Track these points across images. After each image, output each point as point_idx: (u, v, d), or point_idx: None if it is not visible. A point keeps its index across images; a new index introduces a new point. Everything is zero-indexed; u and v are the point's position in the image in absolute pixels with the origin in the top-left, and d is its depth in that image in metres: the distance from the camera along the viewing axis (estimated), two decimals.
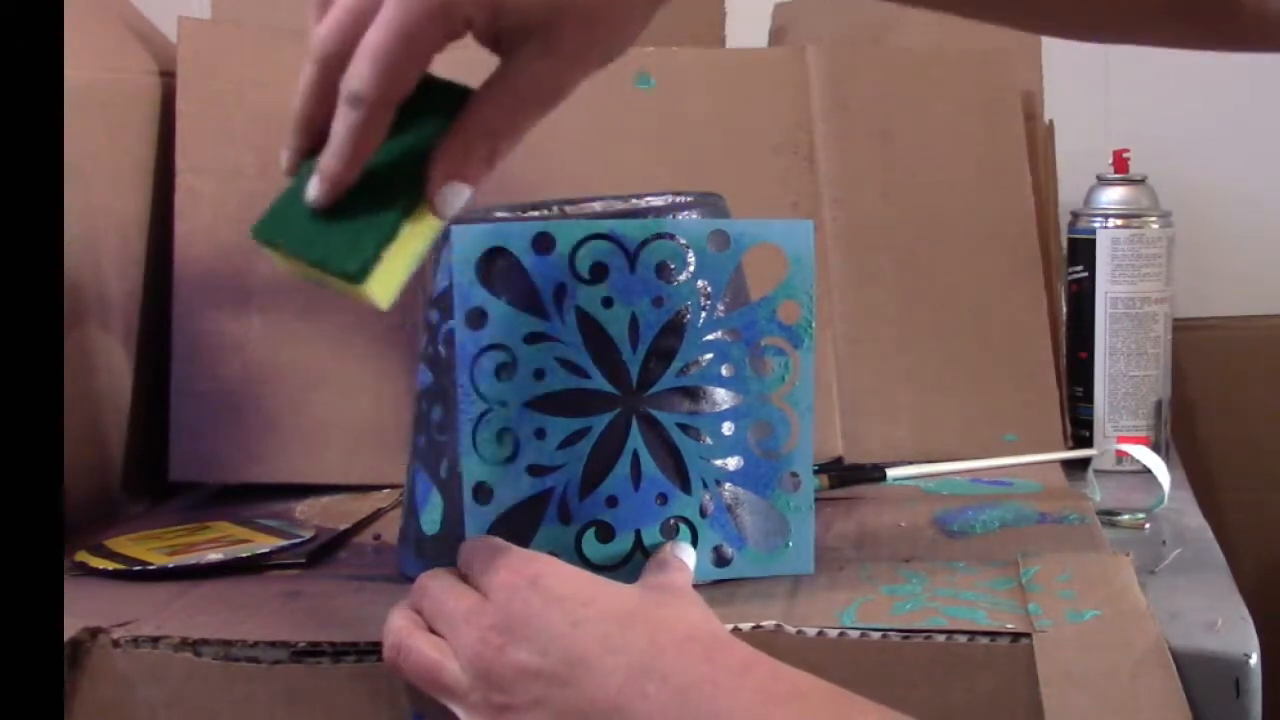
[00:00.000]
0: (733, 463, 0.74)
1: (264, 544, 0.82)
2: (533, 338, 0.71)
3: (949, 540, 0.82)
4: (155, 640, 0.68)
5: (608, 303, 0.71)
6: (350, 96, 0.61)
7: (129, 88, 1.00)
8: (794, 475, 0.75)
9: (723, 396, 0.73)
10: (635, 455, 0.72)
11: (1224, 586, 0.75)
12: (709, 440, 0.73)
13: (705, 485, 0.73)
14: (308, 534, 0.84)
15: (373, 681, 0.67)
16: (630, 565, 0.72)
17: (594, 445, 0.71)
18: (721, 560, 0.74)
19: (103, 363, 0.95)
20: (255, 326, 0.98)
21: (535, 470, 0.71)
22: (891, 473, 0.95)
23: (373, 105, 0.60)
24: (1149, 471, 0.93)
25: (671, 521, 0.73)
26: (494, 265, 0.71)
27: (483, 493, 0.71)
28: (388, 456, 0.97)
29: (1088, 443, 1.04)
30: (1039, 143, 1.10)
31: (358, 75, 0.60)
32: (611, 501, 0.72)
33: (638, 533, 0.72)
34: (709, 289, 0.73)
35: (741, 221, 0.74)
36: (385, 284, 0.63)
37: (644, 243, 0.71)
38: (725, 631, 0.61)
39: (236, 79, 1.01)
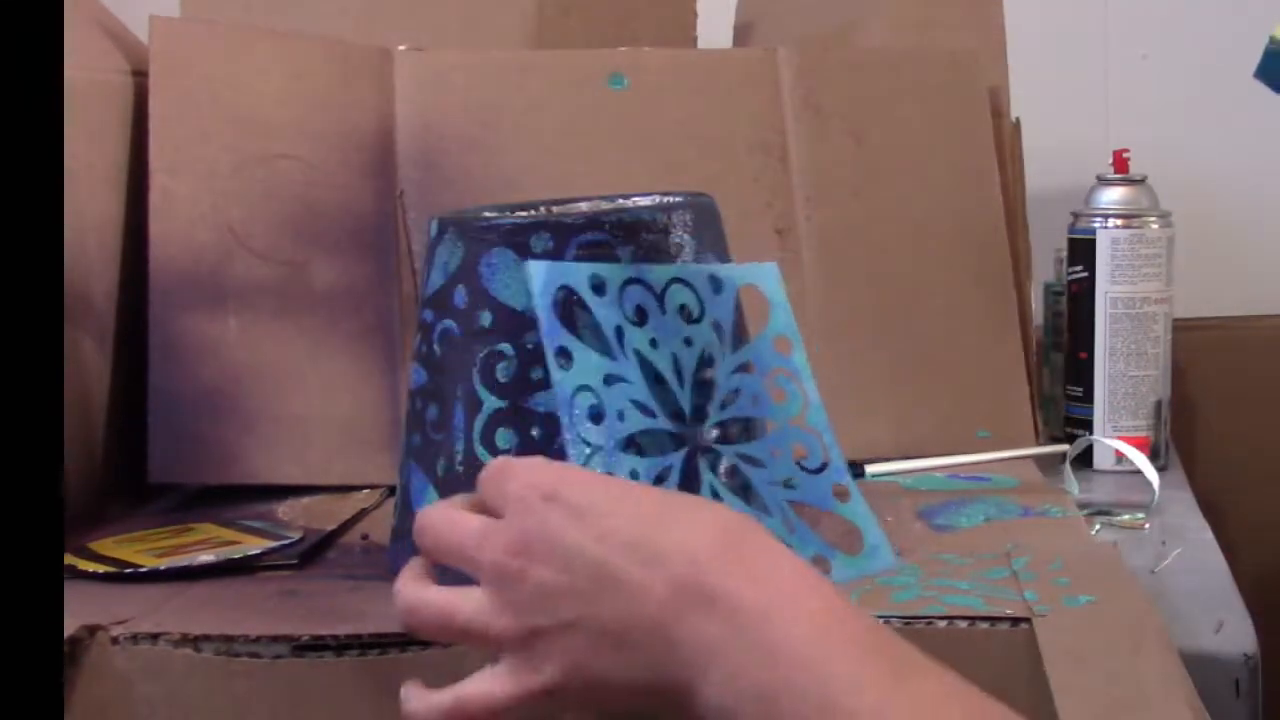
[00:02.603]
0: (792, 483, 0.76)
1: (254, 545, 0.81)
2: (609, 379, 0.71)
3: (937, 534, 0.83)
4: (154, 637, 0.67)
5: (654, 344, 0.72)
6: None
7: (102, 87, 0.99)
8: (840, 485, 0.77)
9: (761, 425, 0.76)
10: (713, 489, 0.73)
11: (1224, 586, 0.76)
12: (766, 466, 0.74)
13: (780, 507, 0.75)
14: (296, 535, 0.84)
15: (376, 676, 0.66)
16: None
17: (679, 483, 0.72)
18: (823, 570, 0.74)
19: (80, 364, 0.94)
20: (231, 327, 0.97)
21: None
22: (870, 469, 0.96)
23: None
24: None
25: None
26: (567, 304, 0.71)
27: None
28: (367, 456, 0.96)
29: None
30: (1006, 140, 1.11)
31: None
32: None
33: None
34: (721, 327, 0.75)
35: (725, 266, 0.77)
36: None
37: (666, 286, 0.73)
38: (762, 530, 0.56)
39: (209, 78, 1.00)
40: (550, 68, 1.07)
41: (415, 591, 0.58)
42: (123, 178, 0.99)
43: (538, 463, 0.59)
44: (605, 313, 0.71)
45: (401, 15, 1.15)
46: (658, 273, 0.73)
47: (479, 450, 0.73)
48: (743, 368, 0.75)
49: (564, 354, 0.70)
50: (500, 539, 0.56)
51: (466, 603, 0.56)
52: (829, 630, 0.51)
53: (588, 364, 0.70)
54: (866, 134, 1.08)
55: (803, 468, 0.76)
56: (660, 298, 0.73)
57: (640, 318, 0.72)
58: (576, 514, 0.55)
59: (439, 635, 0.58)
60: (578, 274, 0.71)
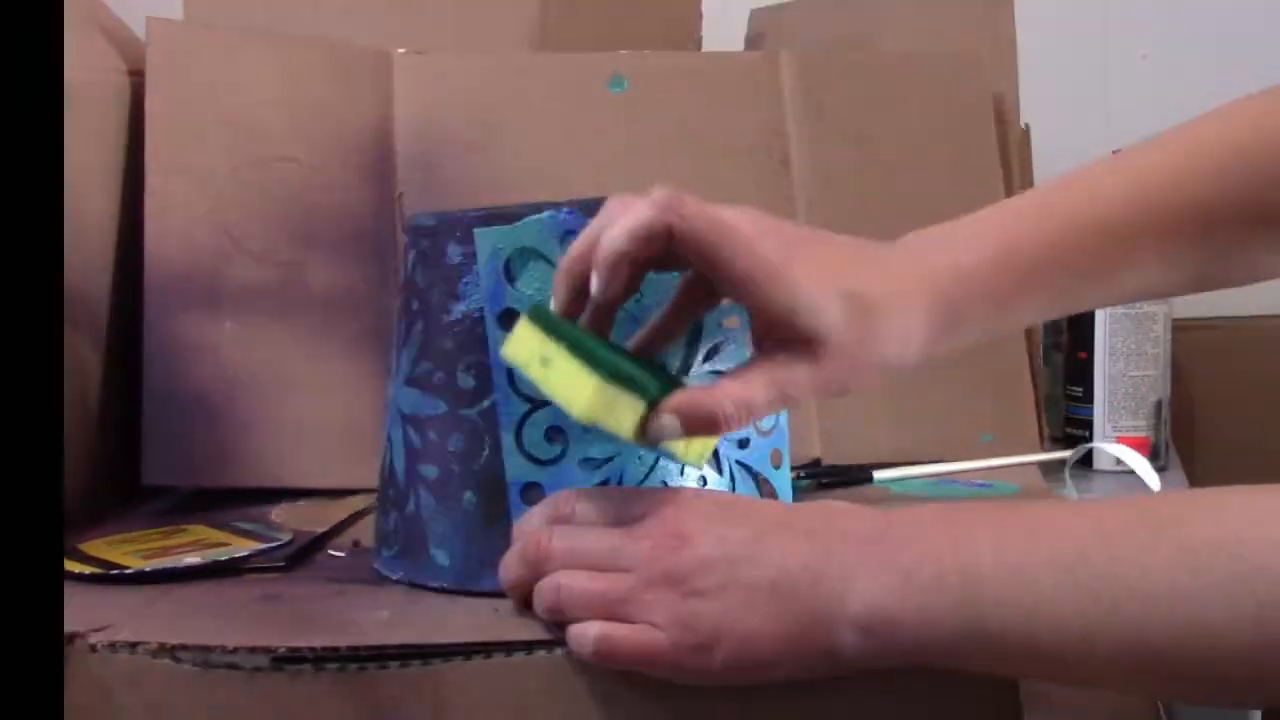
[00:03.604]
0: (745, 444, 0.76)
1: (242, 547, 0.81)
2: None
3: None
4: (133, 646, 0.67)
5: (638, 297, 0.72)
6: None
7: (98, 87, 0.99)
8: (777, 452, 0.77)
9: None
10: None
11: None
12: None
13: (731, 467, 0.75)
14: (285, 537, 0.83)
15: (355, 688, 0.66)
16: None
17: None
18: None
19: (74, 365, 0.94)
20: (227, 329, 0.97)
21: (587, 464, 0.71)
22: (879, 475, 0.95)
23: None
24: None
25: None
26: (521, 265, 0.71)
27: (533, 493, 0.71)
28: (363, 460, 0.96)
29: (1085, 443, 1.04)
30: (1011, 146, 1.10)
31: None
32: (663, 486, 0.72)
33: None
34: None
35: None
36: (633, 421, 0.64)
37: None
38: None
39: (207, 80, 1.00)
40: (550, 70, 1.06)
41: (560, 575, 0.64)
42: (119, 178, 0.99)
43: (650, 489, 0.69)
44: None
45: (404, 17, 1.15)
46: None
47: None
48: (734, 318, 0.75)
49: (509, 316, 0.71)
50: (656, 531, 0.63)
51: (618, 580, 0.63)
52: (951, 512, 0.61)
53: None
54: (869, 137, 1.07)
55: (757, 428, 0.76)
56: None
57: None
58: (716, 507, 0.64)
59: (589, 608, 0.63)
60: (544, 231, 0.71)
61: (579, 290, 0.67)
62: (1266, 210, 0.73)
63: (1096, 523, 0.57)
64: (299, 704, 0.66)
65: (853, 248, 0.71)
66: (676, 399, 0.64)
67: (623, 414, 0.64)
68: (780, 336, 0.66)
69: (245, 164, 1.00)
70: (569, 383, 0.64)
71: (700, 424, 0.64)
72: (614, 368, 0.64)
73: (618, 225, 0.65)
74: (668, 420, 0.64)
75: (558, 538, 0.66)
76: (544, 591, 0.65)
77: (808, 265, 0.66)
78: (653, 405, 0.63)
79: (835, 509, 0.64)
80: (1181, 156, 0.73)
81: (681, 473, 0.73)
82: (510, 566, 0.68)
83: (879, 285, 0.68)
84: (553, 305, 0.68)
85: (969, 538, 0.58)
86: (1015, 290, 0.72)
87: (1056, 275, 0.73)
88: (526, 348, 0.67)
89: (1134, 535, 0.56)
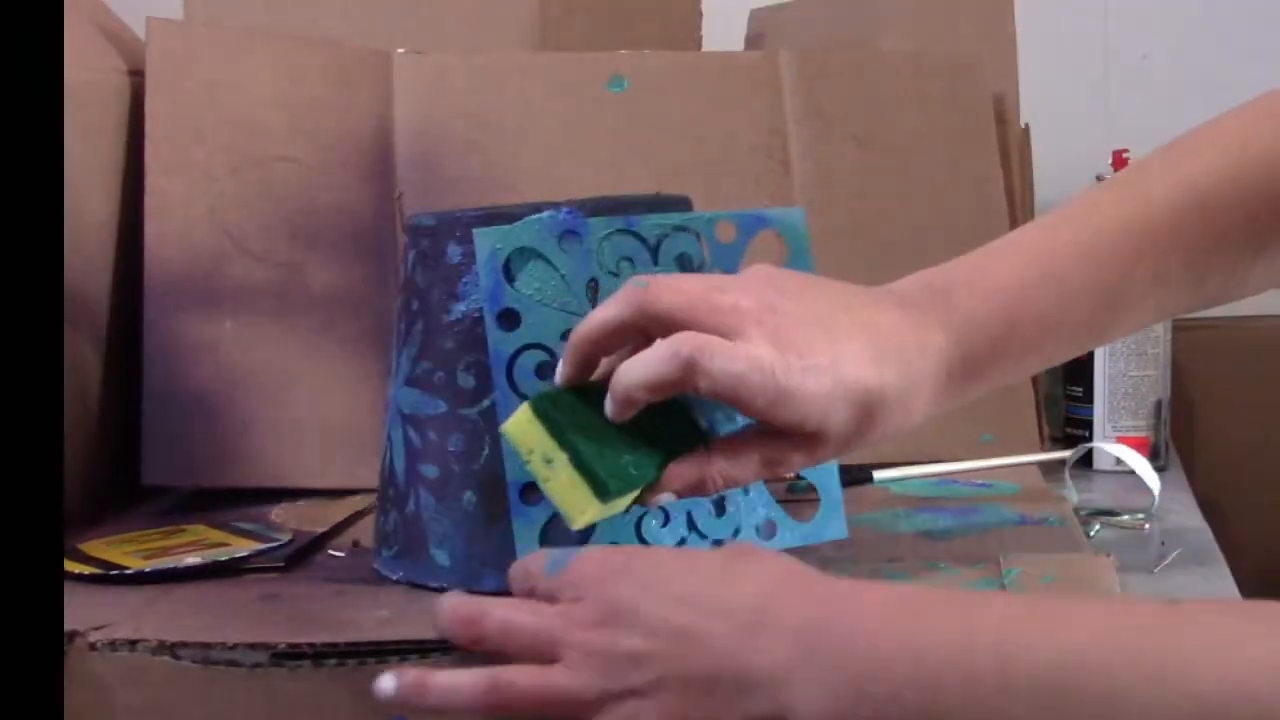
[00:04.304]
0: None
1: (241, 547, 0.81)
2: (570, 334, 0.71)
3: (931, 542, 0.82)
4: (133, 644, 0.67)
5: None
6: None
7: (99, 87, 0.99)
8: None
9: None
10: None
11: (1224, 586, 0.75)
12: (741, 420, 0.73)
13: None
14: (285, 537, 0.83)
15: (354, 684, 0.66)
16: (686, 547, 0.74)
17: None
18: (769, 533, 0.77)
19: (74, 365, 0.94)
20: (227, 328, 0.97)
21: None
22: (879, 474, 0.95)
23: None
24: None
25: (721, 501, 0.75)
26: (520, 264, 0.71)
27: (532, 493, 0.71)
28: (363, 459, 0.96)
29: (1085, 443, 1.03)
30: (1012, 147, 1.10)
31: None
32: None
33: (689, 515, 0.74)
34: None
35: (742, 212, 0.77)
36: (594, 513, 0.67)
37: (663, 236, 0.74)
38: (817, 572, 0.61)
39: (207, 80, 1.00)
40: (549, 70, 1.06)
41: (505, 671, 0.62)
42: (119, 178, 0.99)
43: (599, 550, 0.66)
44: (576, 267, 0.72)
45: (404, 17, 1.15)
46: (652, 222, 0.74)
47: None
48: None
49: (509, 316, 0.71)
50: (584, 616, 0.61)
51: (556, 676, 0.61)
52: (897, 606, 0.57)
53: (542, 322, 0.71)
54: (869, 137, 1.07)
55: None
56: (654, 248, 0.74)
57: (623, 269, 0.73)
58: (647, 584, 0.61)
59: (535, 709, 0.61)
60: (544, 231, 0.72)
61: (586, 367, 0.69)
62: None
63: (1080, 658, 0.51)
64: (298, 700, 0.66)
65: (863, 326, 0.68)
66: (672, 483, 0.68)
67: (619, 515, 0.70)
68: (780, 427, 0.67)
69: (245, 164, 1.00)
70: (570, 495, 0.67)
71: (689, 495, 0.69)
72: (617, 477, 0.66)
73: (639, 370, 0.66)
74: (663, 498, 0.68)
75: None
76: (484, 692, 0.62)
77: (819, 375, 0.65)
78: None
79: (771, 581, 0.60)
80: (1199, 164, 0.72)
81: None
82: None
83: (889, 373, 0.67)
84: (558, 376, 0.69)
85: (931, 656, 0.54)
86: (1025, 350, 0.72)
87: (1069, 331, 0.72)
88: (530, 438, 0.68)
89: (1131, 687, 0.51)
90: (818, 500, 0.79)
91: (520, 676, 0.61)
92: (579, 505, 0.67)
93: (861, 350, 0.67)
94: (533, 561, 0.66)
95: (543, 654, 0.61)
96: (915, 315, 0.69)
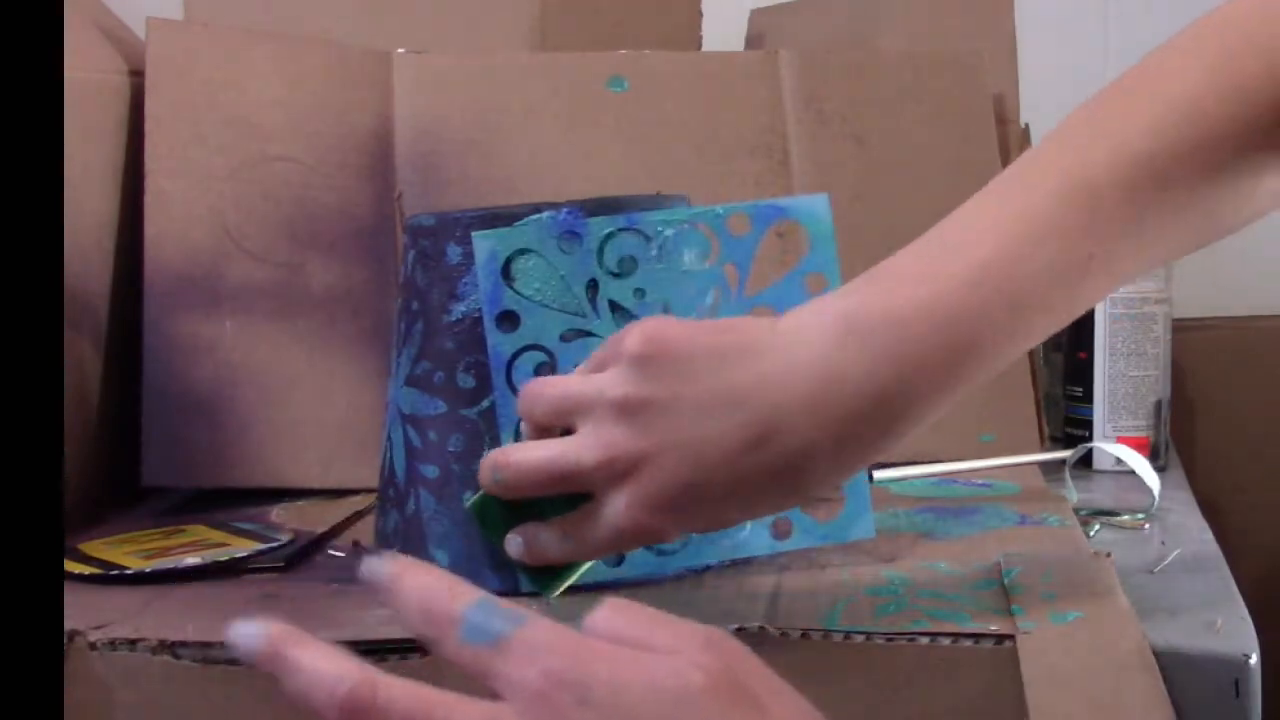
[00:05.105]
0: None
1: (241, 548, 0.81)
2: (570, 335, 0.71)
3: (930, 542, 0.82)
4: (133, 643, 0.67)
5: (640, 293, 0.73)
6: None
7: (99, 87, 0.99)
8: None
9: None
10: None
11: (1224, 586, 0.75)
12: None
13: None
14: (285, 537, 0.83)
15: None
16: (687, 548, 0.74)
17: None
18: (781, 533, 0.76)
19: (74, 365, 0.94)
20: (227, 329, 0.97)
21: None
22: (879, 474, 0.95)
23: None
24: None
25: None
26: (521, 266, 0.72)
27: None
28: (364, 460, 0.96)
29: (1085, 443, 1.03)
30: (1011, 146, 1.10)
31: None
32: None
33: None
34: (738, 271, 0.74)
35: (756, 203, 0.76)
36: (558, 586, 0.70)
37: (669, 232, 0.73)
38: (754, 660, 0.49)
39: (207, 80, 1.00)
40: (549, 70, 1.06)
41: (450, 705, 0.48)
42: (119, 178, 0.99)
43: (544, 630, 0.48)
44: (575, 267, 0.72)
45: (404, 17, 1.15)
46: (656, 218, 0.74)
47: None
48: (763, 311, 0.74)
49: (508, 318, 0.72)
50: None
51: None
52: None
53: (541, 323, 0.72)
54: (868, 137, 1.07)
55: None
56: (660, 245, 0.73)
57: (625, 268, 0.73)
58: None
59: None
60: (543, 232, 0.72)
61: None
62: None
63: None
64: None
65: (854, 409, 0.64)
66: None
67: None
68: None
69: (245, 164, 1.00)
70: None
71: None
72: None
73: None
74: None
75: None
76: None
77: (815, 473, 0.65)
78: None
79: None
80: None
81: None
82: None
83: (879, 441, 0.65)
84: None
85: None
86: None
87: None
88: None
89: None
90: (833, 500, 0.79)
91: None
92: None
93: (858, 434, 0.65)
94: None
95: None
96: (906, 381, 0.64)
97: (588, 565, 0.70)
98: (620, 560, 0.74)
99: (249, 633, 0.50)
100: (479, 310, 0.73)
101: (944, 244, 0.67)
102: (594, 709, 0.46)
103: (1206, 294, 1.32)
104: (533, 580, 0.70)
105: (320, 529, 0.87)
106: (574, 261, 0.72)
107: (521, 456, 0.67)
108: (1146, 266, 0.69)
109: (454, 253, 0.74)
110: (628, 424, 0.64)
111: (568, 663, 0.46)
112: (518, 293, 0.72)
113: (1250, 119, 0.64)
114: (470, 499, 0.71)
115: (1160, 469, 1.02)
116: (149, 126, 0.98)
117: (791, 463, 0.63)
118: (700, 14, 1.20)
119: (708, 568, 0.76)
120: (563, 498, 0.68)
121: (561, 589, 0.70)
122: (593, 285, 0.72)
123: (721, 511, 0.66)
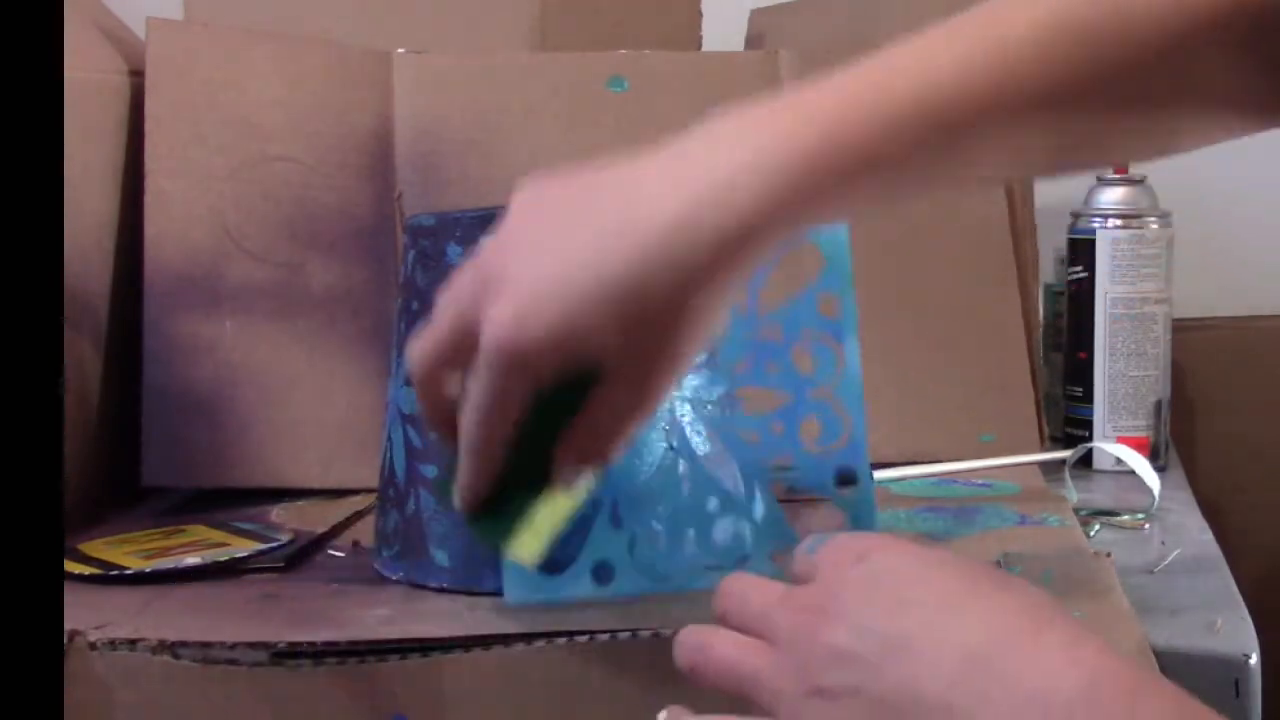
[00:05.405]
0: (785, 462, 0.74)
1: (241, 548, 0.81)
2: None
3: (931, 542, 0.82)
4: (133, 643, 0.67)
5: None
6: (469, 448, 0.64)
7: (99, 87, 0.99)
8: (849, 471, 0.75)
9: (770, 396, 0.74)
10: (683, 460, 0.72)
11: (1224, 586, 0.75)
12: (759, 440, 0.73)
13: (759, 486, 0.73)
14: (285, 537, 0.83)
15: (354, 683, 0.66)
16: (686, 574, 0.72)
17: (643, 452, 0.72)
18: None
19: (74, 365, 0.94)
20: (227, 329, 0.97)
21: None
22: (879, 474, 0.95)
23: (485, 451, 0.64)
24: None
25: (727, 525, 0.73)
26: None
27: None
28: (364, 460, 0.95)
29: (1085, 443, 1.03)
30: None
31: (467, 436, 0.64)
32: (664, 508, 0.72)
33: (693, 535, 0.73)
34: (748, 289, 0.74)
35: None
36: (532, 545, 0.66)
37: None
38: (1067, 615, 0.50)
39: (207, 80, 1.00)
40: (549, 70, 1.06)
41: (707, 633, 0.56)
42: (119, 178, 0.99)
43: (854, 534, 0.57)
44: None
45: (404, 17, 1.15)
46: None
47: None
48: (771, 331, 0.74)
49: None
50: (801, 599, 0.54)
51: (756, 653, 0.54)
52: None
53: None
54: None
55: (812, 445, 0.74)
56: None
57: None
58: (875, 581, 0.52)
59: (721, 678, 0.55)
60: None
61: None
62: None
63: None
64: (299, 699, 0.66)
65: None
66: None
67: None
68: None
69: (245, 164, 1.00)
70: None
71: None
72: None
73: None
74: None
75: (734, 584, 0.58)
76: (684, 647, 0.57)
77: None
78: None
79: (1028, 626, 0.49)
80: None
81: (687, 490, 0.73)
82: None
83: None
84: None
85: None
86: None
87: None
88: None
89: None
90: (819, 500, 0.78)
91: (727, 638, 0.56)
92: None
93: None
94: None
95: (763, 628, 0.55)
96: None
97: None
98: (610, 578, 0.72)
99: None
100: None
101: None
102: (867, 568, 0.53)
103: (1206, 294, 1.31)
104: (483, 534, 0.68)
105: (320, 529, 0.87)
106: None
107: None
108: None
109: (454, 253, 0.74)
110: None
111: (858, 542, 0.55)
112: None
113: None
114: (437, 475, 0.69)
115: (1160, 469, 1.02)
116: (149, 126, 0.99)
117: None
118: (700, 14, 1.20)
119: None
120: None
121: (535, 546, 0.67)
122: None
123: None
